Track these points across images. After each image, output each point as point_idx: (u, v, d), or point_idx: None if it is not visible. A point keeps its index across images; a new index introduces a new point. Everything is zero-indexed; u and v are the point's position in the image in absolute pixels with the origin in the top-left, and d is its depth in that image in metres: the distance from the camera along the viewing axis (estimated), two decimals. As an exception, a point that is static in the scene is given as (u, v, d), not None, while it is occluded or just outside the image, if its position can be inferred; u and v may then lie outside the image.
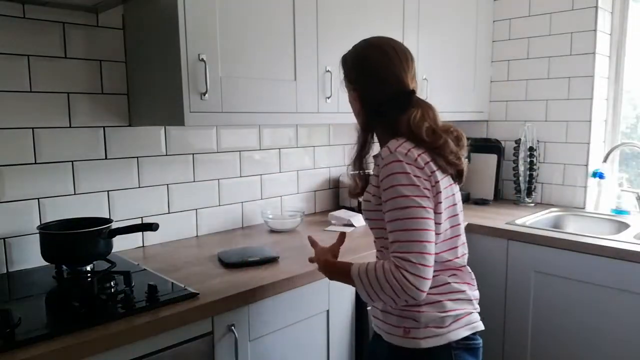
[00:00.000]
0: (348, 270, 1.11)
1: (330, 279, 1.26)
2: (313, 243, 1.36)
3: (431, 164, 1.10)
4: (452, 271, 1.16)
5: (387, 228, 1.08)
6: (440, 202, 1.10)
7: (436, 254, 1.08)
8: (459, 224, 1.19)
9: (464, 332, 1.14)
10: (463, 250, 1.21)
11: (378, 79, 1.18)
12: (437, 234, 1.09)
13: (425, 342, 1.11)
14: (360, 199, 1.25)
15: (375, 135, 1.25)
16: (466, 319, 1.15)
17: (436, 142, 1.12)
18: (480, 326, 1.18)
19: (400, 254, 1.02)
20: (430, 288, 1.06)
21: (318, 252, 1.31)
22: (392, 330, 1.17)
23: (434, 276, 1.06)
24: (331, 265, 1.23)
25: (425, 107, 1.18)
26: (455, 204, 1.17)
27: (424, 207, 1.05)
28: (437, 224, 1.09)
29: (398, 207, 1.05)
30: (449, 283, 1.14)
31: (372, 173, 1.20)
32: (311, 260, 1.35)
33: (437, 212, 1.09)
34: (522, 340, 2.11)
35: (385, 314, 1.19)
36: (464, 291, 1.16)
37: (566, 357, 2.00)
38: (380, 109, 1.19)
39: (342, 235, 1.32)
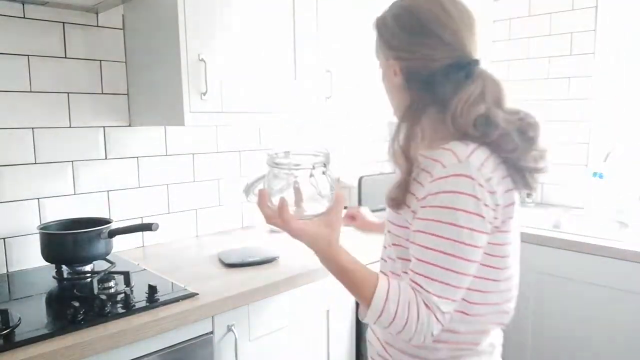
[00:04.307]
0: (367, 277, 0.84)
1: (322, 262, 0.90)
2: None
3: (508, 179, 0.86)
4: (499, 325, 0.97)
5: (415, 251, 0.86)
6: (509, 232, 0.89)
7: (495, 303, 0.92)
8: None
9: None
10: (514, 300, 0.97)
11: (436, 41, 0.88)
12: (496, 275, 0.90)
13: None
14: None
15: (412, 127, 0.91)
16: None
17: (488, 135, 0.84)
18: None
19: (436, 298, 0.82)
20: (471, 340, 0.93)
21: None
22: None
23: (477, 331, 0.93)
24: (336, 253, 0.86)
25: (489, 83, 0.87)
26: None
27: (479, 248, 0.83)
28: (503, 257, 0.90)
29: (449, 238, 0.81)
30: (494, 345, 0.97)
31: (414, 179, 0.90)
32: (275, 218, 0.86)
33: (502, 244, 0.88)
34: (522, 340, 2.11)
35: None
36: (496, 346, 0.99)
37: (566, 357, 2.00)
38: (432, 85, 0.89)
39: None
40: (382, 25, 0.97)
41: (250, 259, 1.57)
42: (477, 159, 0.82)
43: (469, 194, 0.81)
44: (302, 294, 1.52)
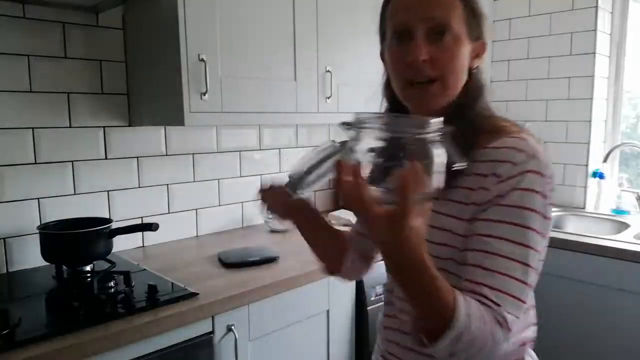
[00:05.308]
0: (449, 301, 0.63)
1: (395, 269, 0.64)
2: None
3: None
4: (531, 340, 0.87)
5: (480, 258, 0.71)
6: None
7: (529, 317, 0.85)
8: None
9: None
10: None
11: None
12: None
13: None
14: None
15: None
16: None
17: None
18: None
19: (508, 314, 0.68)
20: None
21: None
22: None
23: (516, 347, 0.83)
24: (424, 250, 0.60)
25: None
26: None
27: (539, 252, 0.73)
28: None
29: (521, 244, 0.70)
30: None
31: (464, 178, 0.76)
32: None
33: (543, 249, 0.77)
34: (522, 340, 2.11)
35: None
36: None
37: (566, 357, 2.00)
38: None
39: None
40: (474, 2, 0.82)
41: (250, 259, 1.57)
42: (542, 154, 0.74)
43: (538, 192, 0.72)
44: (302, 294, 1.52)
